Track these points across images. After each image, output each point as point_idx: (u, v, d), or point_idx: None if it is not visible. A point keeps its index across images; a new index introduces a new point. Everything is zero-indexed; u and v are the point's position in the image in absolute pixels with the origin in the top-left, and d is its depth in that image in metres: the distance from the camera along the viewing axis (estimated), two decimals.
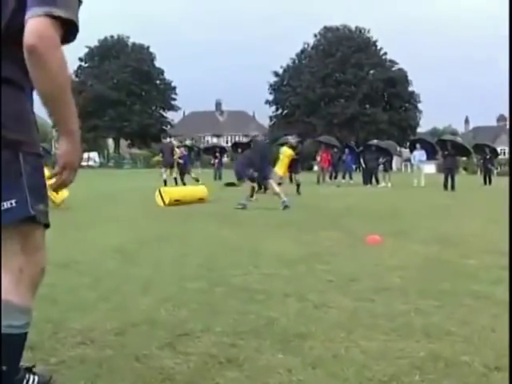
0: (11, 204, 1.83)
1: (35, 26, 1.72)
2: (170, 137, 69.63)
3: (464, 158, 36.91)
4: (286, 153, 16.62)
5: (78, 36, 1.88)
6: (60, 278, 4.59)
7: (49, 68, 1.74)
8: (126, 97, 63.89)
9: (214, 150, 32.57)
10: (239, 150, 27.40)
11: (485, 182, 24.84)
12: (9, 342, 1.86)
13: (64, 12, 1.76)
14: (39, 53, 1.72)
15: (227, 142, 69.16)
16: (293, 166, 17.32)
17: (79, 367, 2.69)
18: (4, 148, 1.81)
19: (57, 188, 1.96)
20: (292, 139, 17.40)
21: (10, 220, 1.85)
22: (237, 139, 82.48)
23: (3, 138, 1.80)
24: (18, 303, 1.89)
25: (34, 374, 2.30)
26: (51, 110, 1.83)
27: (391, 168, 26.01)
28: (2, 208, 1.83)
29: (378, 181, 24.32)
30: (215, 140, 67.37)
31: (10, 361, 1.90)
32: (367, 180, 24.47)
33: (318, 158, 27.34)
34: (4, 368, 1.86)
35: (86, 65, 66.31)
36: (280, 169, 16.13)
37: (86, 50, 65.63)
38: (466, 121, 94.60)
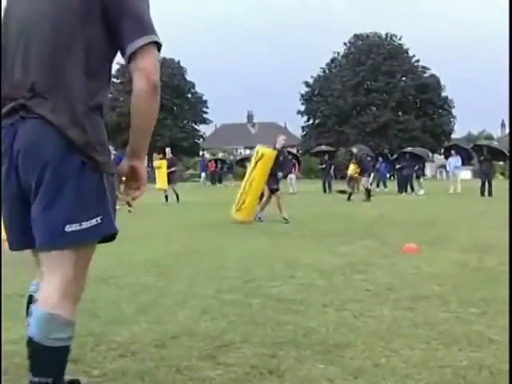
0: (97, 221, 1.95)
1: (153, 61, 1.91)
2: (203, 150, 70.14)
3: (501, 163, 36.26)
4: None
5: None
6: (99, 292, 4.66)
7: (158, 99, 1.98)
8: (158, 111, 64.74)
9: (245, 161, 32.94)
10: None
11: None
12: (56, 354, 1.97)
13: (159, 38, 1.95)
14: (158, 87, 1.95)
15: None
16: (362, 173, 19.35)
17: (121, 379, 2.73)
18: (95, 171, 1.95)
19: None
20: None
21: (97, 235, 1.99)
22: None
23: (96, 161, 1.95)
24: (65, 316, 1.96)
25: None
26: (140, 136, 2.05)
27: (424, 175, 25.71)
28: (90, 224, 1.94)
29: (412, 189, 24.08)
30: (248, 152, 67.70)
31: (56, 373, 1.99)
32: (402, 188, 24.23)
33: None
34: (50, 380, 1.94)
35: (118, 81, 67.00)
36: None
37: (117, 66, 66.46)
38: (502, 124, 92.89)
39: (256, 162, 10.89)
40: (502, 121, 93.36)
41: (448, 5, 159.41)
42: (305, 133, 66.45)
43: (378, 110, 59.71)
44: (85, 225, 1.92)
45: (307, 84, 65.61)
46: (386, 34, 63.51)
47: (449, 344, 3.18)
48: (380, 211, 15.61)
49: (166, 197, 17.49)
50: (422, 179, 24.65)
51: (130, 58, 1.90)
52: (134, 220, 12.14)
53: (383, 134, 57.70)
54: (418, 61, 63.02)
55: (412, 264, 5.87)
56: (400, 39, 63.24)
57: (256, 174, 10.89)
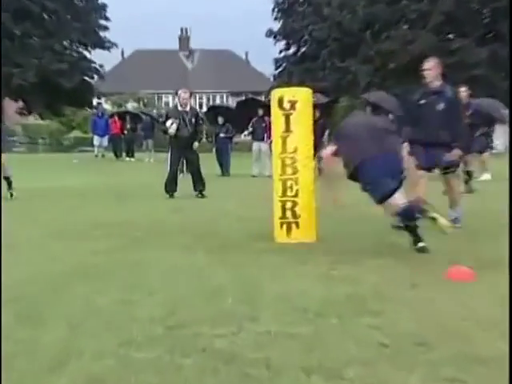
0: None
1: None
2: (99, 97, 68.92)
3: None
4: None
5: None
6: None
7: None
8: (14, 22, 60.53)
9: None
10: (220, 120, 27.18)
11: None
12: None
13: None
14: None
15: (201, 106, 68.33)
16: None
17: None
18: None
19: None
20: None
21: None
22: (217, 100, 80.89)
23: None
24: None
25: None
26: None
27: (492, 146, 24.90)
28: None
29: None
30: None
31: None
32: None
33: None
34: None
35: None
36: None
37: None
38: None
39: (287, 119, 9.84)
40: None
41: None
42: (280, 70, 66.18)
43: (410, 30, 59.00)
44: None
45: None
46: None
47: None
48: None
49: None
50: (487, 153, 23.78)
51: None
52: None
53: (419, 74, 56.65)
54: None
55: (461, 301, 5.99)
56: None
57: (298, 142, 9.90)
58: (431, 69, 11.17)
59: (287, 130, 9.75)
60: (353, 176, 9.21)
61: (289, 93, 10.08)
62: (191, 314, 5.53)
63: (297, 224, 9.62)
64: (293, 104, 9.76)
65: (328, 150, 9.65)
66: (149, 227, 11.01)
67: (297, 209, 9.61)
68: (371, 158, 8.85)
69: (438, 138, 10.87)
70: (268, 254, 8.55)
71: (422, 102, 11.22)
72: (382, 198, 8.88)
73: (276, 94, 10.07)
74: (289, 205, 9.63)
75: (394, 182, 8.80)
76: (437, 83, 11.14)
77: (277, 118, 9.92)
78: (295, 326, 5.20)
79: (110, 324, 5.26)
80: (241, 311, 5.61)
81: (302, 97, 9.97)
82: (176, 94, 19.29)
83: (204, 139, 20.11)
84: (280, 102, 9.84)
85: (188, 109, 17.41)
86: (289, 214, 9.65)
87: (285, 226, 9.68)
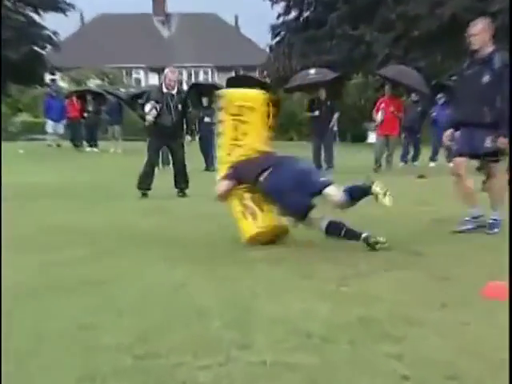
0: None
1: None
2: (53, 72, 68.77)
3: None
4: None
5: None
6: None
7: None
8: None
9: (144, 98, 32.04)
10: (204, 101, 26.88)
11: None
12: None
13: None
14: None
15: (180, 83, 67.68)
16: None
17: None
18: None
19: None
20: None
21: None
22: (200, 77, 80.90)
23: None
24: None
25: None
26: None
27: None
28: None
29: None
30: (155, 79, 67.08)
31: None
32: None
33: (378, 116, 26.41)
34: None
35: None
36: None
37: None
38: None
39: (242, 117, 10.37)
40: None
41: None
42: (277, 40, 66.29)
43: None
44: None
45: None
46: None
47: None
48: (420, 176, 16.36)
49: None
50: None
51: None
52: None
53: (449, 43, 55.93)
54: None
55: (499, 323, 5.99)
56: None
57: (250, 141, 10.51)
58: (478, 34, 10.66)
59: (237, 139, 10.39)
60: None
61: (238, 97, 10.47)
62: (169, 341, 5.52)
63: (261, 209, 9.94)
64: (241, 110, 10.21)
65: (223, 185, 10.38)
66: (119, 234, 11.07)
67: (256, 195, 9.97)
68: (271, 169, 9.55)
69: (483, 117, 10.58)
70: (263, 265, 8.60)
71: (467, 73, 11.06)
72: (304, 215, 9.43)
73: (224, 95, 10.63)
74: (247, 194, 10.08)
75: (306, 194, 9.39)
76: (487, 50, 10.69)
77: (227, 124, 10.43)
78: (296, 355, 5.20)
79: (69, 353, 5.25)
80: (229, 337, 5.61)
81: (254, 104, 10.24)
82: (161, 71, 18.95)
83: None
84: (228, 106, 10.28)
85: (175, 92, 17.00)
86: (248, 202, 10.06)
87: (249, 215, 9.94)
